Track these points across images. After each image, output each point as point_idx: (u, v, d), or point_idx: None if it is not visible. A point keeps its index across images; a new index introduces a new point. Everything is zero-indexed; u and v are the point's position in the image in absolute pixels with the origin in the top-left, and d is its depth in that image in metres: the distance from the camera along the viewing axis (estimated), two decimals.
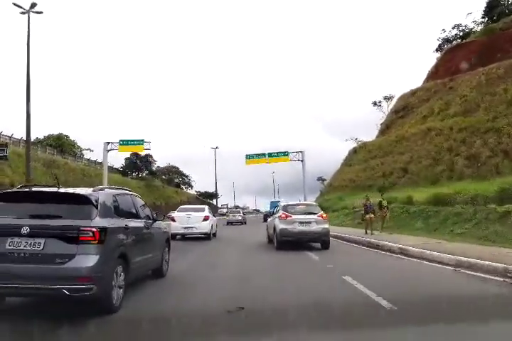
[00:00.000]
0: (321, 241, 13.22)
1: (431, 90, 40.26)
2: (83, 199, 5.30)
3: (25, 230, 4.83)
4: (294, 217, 13.08)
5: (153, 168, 62.64)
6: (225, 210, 73.24)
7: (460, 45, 46.50)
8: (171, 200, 59.17)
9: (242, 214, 42.11)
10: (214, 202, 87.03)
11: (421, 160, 30.35)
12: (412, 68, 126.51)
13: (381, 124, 50.36)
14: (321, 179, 73.88)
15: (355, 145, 50.71)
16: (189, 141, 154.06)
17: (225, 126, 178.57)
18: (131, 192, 7.04)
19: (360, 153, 43.38)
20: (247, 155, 41.75)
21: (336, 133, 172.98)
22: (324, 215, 13.52)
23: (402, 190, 26.82)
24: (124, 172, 59.22)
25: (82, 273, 4.75)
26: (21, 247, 4.81)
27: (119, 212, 5.90)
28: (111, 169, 49.07)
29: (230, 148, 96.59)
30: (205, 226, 16.56)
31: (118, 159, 60.37)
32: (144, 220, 6.89)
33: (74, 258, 4.79)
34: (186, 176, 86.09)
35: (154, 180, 61.53)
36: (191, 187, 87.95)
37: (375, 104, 61.27)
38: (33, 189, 5.87)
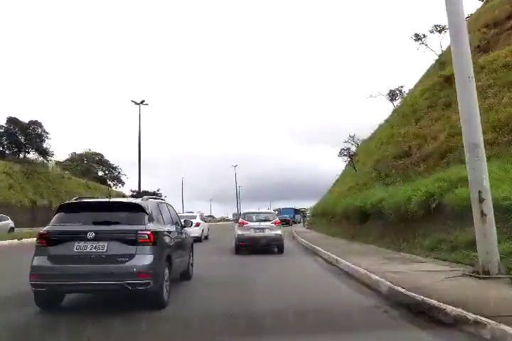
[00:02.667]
0: (274, 246, 14.26)
1: None
2: (137, 208, 6.10)
3: (90, 235, 5.54)
4: (250, 223, 14.30)
5: (45, 146, 42.02)
6: None
7: None
8: None
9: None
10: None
11: None
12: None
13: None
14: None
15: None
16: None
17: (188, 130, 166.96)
18: (166, 201, 8.36)
19: None
20: None
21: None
22: (278, 222, 14.72)
23: None
24: None
25: (141, 269, 5.50)
26: (87, 250, 5.53)
27: (161, 218, 6.77)
28: None
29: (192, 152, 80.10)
30: (196, 231, 18.55)
31: None
32: (177, 226, 7.75)
33: (134, 257, 5.55)
34: (114, 168, 66.87)
35: (46, 166, 41.90)
36: (122, 183, 69.06)
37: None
38: (94, 200, 6.78)
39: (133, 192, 76.16)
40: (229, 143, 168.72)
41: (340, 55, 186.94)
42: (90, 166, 62.83)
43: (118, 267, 5.46)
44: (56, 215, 6.09)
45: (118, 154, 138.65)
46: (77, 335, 4.59)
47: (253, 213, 15.54)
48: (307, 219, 39.59)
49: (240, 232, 14.08)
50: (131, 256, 5.54)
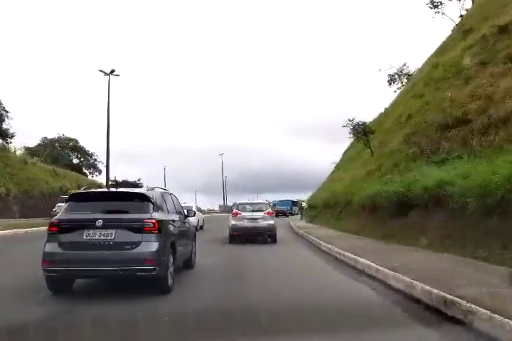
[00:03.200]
0: (267, 235, 14.55)
1: None
2: (143, 197, 6.33)
3: (99, 223, 5.79)
4: (243, 214, 14.63)
5: (5, 127, 36.09)
6: None
7: None
8: (40, 187, 36.62)
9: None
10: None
11: None
12: None
13: None
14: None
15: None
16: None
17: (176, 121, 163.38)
18: (170, 192, 8.19)
19: None
20: None
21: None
22: (271, 212, 15.30)
23: None
24: None
25: (147, 256, 5.77)
26: (96, 237, 5.80)
27: (166, 208, 6.97)
28: None
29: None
30: (193, 221, 16.03)
31: None
32: (180, 216, 7.92)
33: (140, 244, 5.81)
34: (90, 155, 61.30)
35: (7, 149, 36.65)
36: (98, 171, 63.54)
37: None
38: (102, 190, 7.79)
39: (112, 181, 71.12)
40: (216, 135, 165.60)
41: (331, 40, 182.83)
42: (63, 152, 57.22)
43: (125, 253, 5.77)
44: (67, 204, 6.46)
45: (98, 141, 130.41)
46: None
47: (247, 203, 15.80)
48: (304, 211, 35.42)
49: (233, 222, 14.48)
50: (137, 244, 5.84)
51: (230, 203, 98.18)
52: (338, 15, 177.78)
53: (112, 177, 71.02)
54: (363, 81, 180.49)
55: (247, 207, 15.26)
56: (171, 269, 6.33)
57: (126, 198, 6.56)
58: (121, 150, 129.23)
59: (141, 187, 59.81)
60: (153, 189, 6.98)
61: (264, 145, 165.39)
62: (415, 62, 39.44)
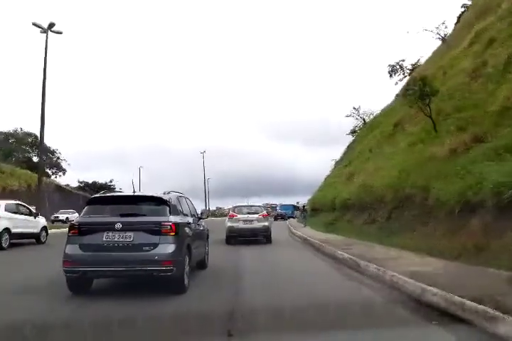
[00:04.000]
0: (261, 236, 15.34)
1: None
2: (160, 201, 6.61)
3: (118, 226, 6.05)
4: (239, 216, 15.39)
5: None
6: None
7: None
8: None
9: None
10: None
11: None
12: None
13: None
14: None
15: None
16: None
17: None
18: (185, 195, 8.35)
19: None
20: None
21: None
22: (265, 214, 15.94)
23: None
24: None
25: (165, 257, 5.99)
26: (115, 239, 6.04)
27: (181, 210, 7.23)
28: None
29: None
30: None
31: None
32: (195, 218, 8.16)
33: (158, 246, 6.04)
34: (52, 153, 53.19)
35: None
36: (62, 171, 55.71)
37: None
38: (120, 193, 7.68)
39: (80, 183, 62.48)
40: (200, 137, 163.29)
41: (315, 44, 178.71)
42: (19, 148, 49.18)
43: (143, 255, 5.97)
44: (86, 207, 6.69)
45: (63, 138, 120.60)
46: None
47: (243, 206, 16.66)
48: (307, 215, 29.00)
49: (230, 224, 15.31)
50: (155, 245, 6.03)
51: (213, 207, 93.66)
52: (321, 22, 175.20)
53: (80, 179, 64.02)
54: (351, 83, 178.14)
55: (244, 209, 16.05)
56: (187, 270, 6.58)
57: (144, 201, 6.82)
58: (107, 151, 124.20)
59: (113, 189, 52.58)
60: (169, 193, 7.26)
61: (248, 149, 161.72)
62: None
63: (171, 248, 6.07)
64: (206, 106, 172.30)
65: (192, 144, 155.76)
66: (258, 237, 15.19)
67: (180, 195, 7.87)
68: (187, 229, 6.97)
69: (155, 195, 6.84)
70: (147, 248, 5.98)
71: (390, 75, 33.79)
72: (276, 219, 40.18)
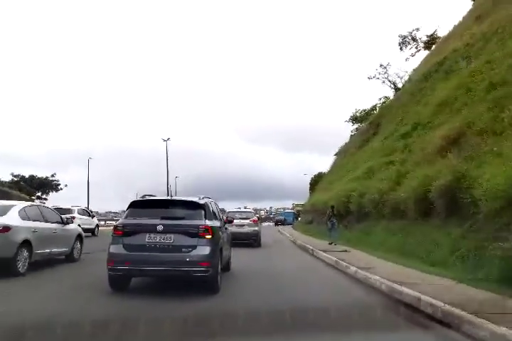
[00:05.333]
0: (252, 240, 16.65)
1: None
2: (197, 205, 7.07)
3: (159, 228, 6.46)
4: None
5: None
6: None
7: None
8: None
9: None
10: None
11: None
12: None
13: None
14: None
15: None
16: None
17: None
18: (213, 200, 8.41)
19: None
20: None
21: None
22: (256, 220, 17.89)
23: None
24: None
25: (203, 259, 6.43)
26: (157, 240, 6.46)
27: (214, 214, 7.70)
28: None
29: None
30: None
31: None
32: (221, 221, 8.38)
33: (196, 248, 6.47)
34: None
35: None
36: None
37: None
38: (159, 197, 7.88)
39: (15, 176, 54.77)
40: (173, 138, 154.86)
41: (295, 46, 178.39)
42: None
43: (183, 256, 6.38)
44: (128, 210, 7.13)
45: None
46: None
47: (235, 212, 18.19)
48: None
49: None
50: (193, 247, 6.47)
51: None
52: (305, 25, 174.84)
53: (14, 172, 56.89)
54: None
55: (236, 215, 16.75)
56: (219, 270, 6.96)
57: (182, 206, 7.22)
58: (73, 151, 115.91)
59: (57, 185, 46.85)
60: (203, 197, 7.57)
61: (223, 151, 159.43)
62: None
63: (207, 250, 6.51)
64: (180, 105, 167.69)
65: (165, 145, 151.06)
66: (249, 241, 16.40)
67: (211, 200, 8.10)
68: (220, 233, 7.43)
69: (192, 199, 7.31)
70: (186, 249, 6.43)
71: (401, 48, 27.43)
72: (276, 224, 45.23)
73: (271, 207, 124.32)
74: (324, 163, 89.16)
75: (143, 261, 6.38)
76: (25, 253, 8.48)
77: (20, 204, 9.52)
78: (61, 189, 53.08)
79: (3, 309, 5.37)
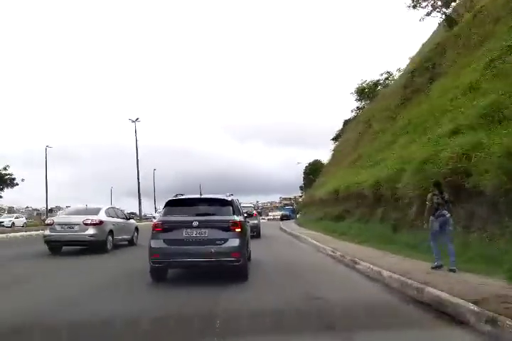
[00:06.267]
0: (253, 232, 16.82)
1: None
2: (226, 202, 7.95)
3: (195, 224, 7.24)
4: None
5: None
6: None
7: None
8: None
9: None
10: None
11: None
12: None
13: None
14: None
15: None
16: None
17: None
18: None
19: None
20: None
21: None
22: (255, 213, 20.20)
23: None
24: None
25: (234, 250, 7.21)
26: (193, 235, 7.25)
27: (238, 210, 8.53)
28: None
29: None
30: None
31: None
32: (243, 216, 9.01)
33: (227, 241, 7.24)
34: None
35: None
36: None
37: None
38: (192, 196, 8.38)
39: None
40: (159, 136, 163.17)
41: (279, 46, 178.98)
42: None
43: (217, 248, 7.15)
44: (165, 208, 8.00)
45: None
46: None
47: None
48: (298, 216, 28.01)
49: None
50: (225, 240, 7.23)
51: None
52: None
53: None
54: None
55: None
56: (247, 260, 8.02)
57: (212, 203, 8.04)
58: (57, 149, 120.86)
59: (12, 179, 44.00)
60: (230, 195, 8.41)
61: (209, 147, 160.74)
62: None
63: (237, 242, 7.27)
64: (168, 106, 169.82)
65: (150, 143, 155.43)
66: (252, 233, 16.36)
67: (234, 196, 8.84)
68: (246, 227, 8.53)
69: (222, 197, 8.17)
70: (219, 242, 7.17)
71: (414, 6, 22.05)
72: (282, 219, 45.97)
73: (257, 202, 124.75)
74: (311, 156, 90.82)
75: (181, 254, 7.14)
76: (110, 238, 13.50)
77: (105, 207, 14.74)
78: (17, 184, 45.73)
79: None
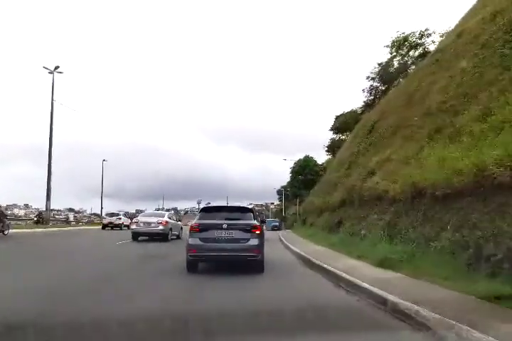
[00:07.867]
0: None
1: None
2: (248, 210, 10.04)
3: (224, 226, 9.01)
4: None
5: None
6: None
7: None
8: None
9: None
10: None
11: None
12: None
13: None
14: None
15: None
16: None
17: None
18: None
19: None
20: None
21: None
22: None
23: None
24: None
25: (254, 247, 8.99)
26: (223, 235, 8.99)
27: (257, 216, 10.43)
28: None
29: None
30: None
31: None
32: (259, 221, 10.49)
33: (249, 240, 9.00)
34: None
35: None
36: None
37: None
38: (220, 204, 10.86)
39: None
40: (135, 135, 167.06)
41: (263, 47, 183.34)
42: None
43: (241, 245, 8.88)
44: (200, 213, 10.01)
45: None
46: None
47: None
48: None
49: None
50: (247, 240, 8.94)
51: (132, 210, 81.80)
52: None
53: None
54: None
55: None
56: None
57: (237, 210, 9.96)
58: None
59: None
60: (250, 204, 11.05)
61: (180, 150, 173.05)
62: None
63: (257, 241, 8.95)
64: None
65: (125, 142, 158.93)
66: None
67: (253, 205, 13.25)
68: (263, 230, 10.16)
69: (245, 205, 10.54)
70: (243, 241, 8.86)
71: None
72: (273, 229, 49.41)
73: (250, 203, 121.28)
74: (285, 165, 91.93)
75: (214, 250, 8.85)
76: (170, 233, 21.07)
77: (166, 212, 25.12)
78: None
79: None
